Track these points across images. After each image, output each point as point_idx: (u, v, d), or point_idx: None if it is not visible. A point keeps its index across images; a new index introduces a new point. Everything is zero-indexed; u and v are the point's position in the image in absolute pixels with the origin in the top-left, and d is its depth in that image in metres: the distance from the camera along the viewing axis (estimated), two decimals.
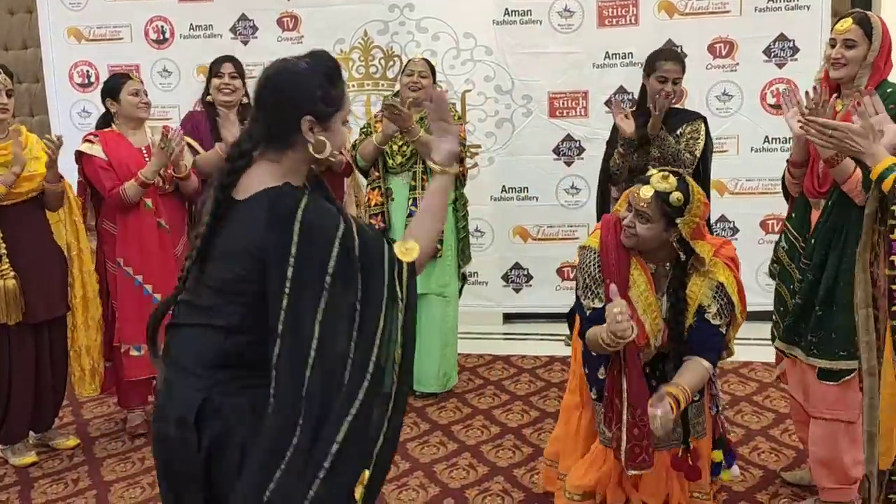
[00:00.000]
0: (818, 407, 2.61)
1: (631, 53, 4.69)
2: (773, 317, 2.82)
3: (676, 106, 3.56)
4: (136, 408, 3.55)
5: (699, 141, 3.41)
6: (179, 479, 1.68)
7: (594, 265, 2.28)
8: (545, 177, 4.83)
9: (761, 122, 4.67)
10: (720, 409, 2.45)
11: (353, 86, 5.02)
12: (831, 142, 2.13)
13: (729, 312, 2.25)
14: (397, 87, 3.94)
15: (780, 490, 2.89)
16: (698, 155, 3.39)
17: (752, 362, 4.01)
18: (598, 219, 3.66)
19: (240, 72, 3.70)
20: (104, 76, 5.24)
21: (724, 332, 2.27)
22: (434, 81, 3.78)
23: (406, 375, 1.70)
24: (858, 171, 2.37)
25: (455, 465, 3.14)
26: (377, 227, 3.74)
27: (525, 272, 4.99)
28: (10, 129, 3.16)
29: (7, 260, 3.09)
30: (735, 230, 4.85)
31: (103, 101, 3.49)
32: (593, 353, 2.30)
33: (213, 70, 3.70)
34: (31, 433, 3.39)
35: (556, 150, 4.81)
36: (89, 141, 3.38)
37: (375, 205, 3.77)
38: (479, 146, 4.88)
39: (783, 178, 2.76)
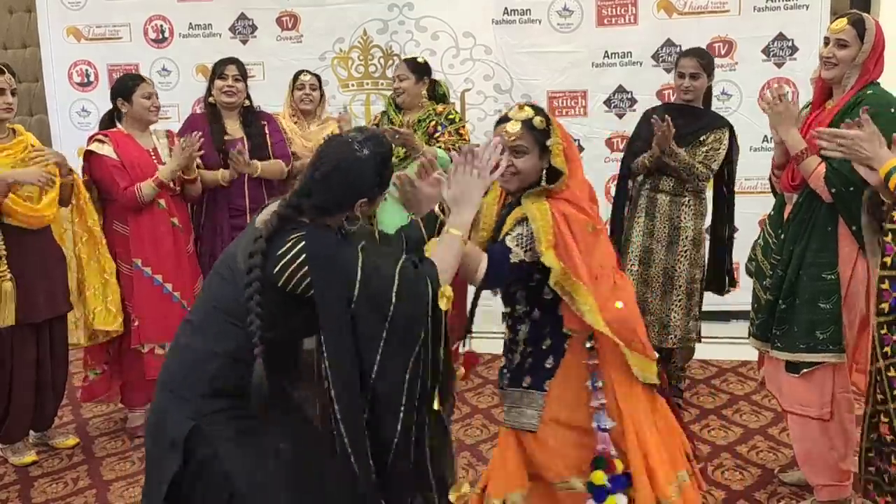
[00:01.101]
0: (790, 402, 2.66)
1: (630, 53, 4.70)
2: (750, 314, 2.85)
3: (696, 105, 3.49)
4: (139, 408, 3.55)
5: (719, 151, 3.39)
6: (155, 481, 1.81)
7: None
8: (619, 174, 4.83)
9: (760, 121, 4.62)
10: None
11: (353, 85, 5.03)
12: (840, 149, 2.23)
13: (528, 243, 2.03)
14: None
15: (779, 489, 2.90)
16: (715, 168, 3.38)
17: (751, 361, 4.00)
18: (615, 215, 3.65)
19: (243, 74, 3.73)
20: (103, 76, 5.26)
21: (518, 260, 2.03)
22: (419, 80, 3.78)
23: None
24: (822, 166, 2.45)
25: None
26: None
27: None
28: (9, 129, 3.16)
29: (6, 262, 3.08)
30: (733, 229, 4.84)
31: (113, 101, 3.48)
32: None
33: (217, 72, 3.71)
34: (32, 432, 3.40)
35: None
36: (99, 140, 3.37)
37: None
38: (477, 146, 4.86)
39: (770, 176, 2.83)
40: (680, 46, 4.70)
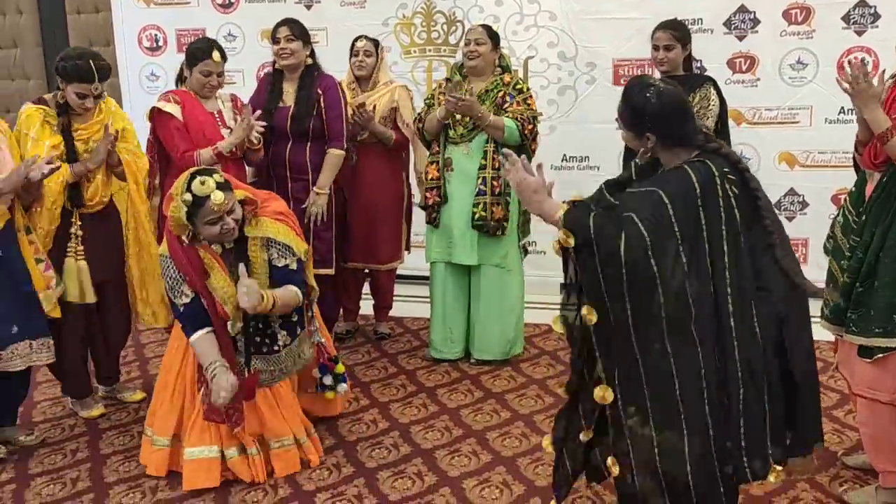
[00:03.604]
0: (859, 385, 2.57)
1: (701, 20, 4.55)
2: (824, 295, 2.74)
3: (676, 74, 3.49)
4: None
5: (710, 108, 3.39)
6: None
7: (172, 268, 2.72)
8: (607, 146, 4.70)
9: (837, 92, 4.41)
10: (319, 339, 3.05)
11: (415, 51, 4.99)
12: None
13: (289, 252, 2.79)
14: (459, 55, 3.89)
15: (842, 472, 2.82)
16: (710, 125, 3.35)
17: (818, 341, 3.86)
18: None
19: (297, 34, 3.66)
20: (172, 40, 5.35)
21: (297, 266, 2.82)
22: (495, 48, 3.71)
23: None
24: None
25: (508, 434, 3.15)
26: (432, 201, 3.73)
27: None
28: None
29: (81, 242, 3.15)
30: (804, 204, 4.69)
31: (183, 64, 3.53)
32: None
33: (272, 35, 3.72)
34: (101, 386, 3.52)
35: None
36: (168, 100, 3.40)
37: (431, 179, 3.75)
38: (540, 114, 4.79)
39: (853, 152, 2.70)
40: (754, 13, 4.53)
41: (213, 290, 2.71)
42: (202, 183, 2.57)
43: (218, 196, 2.57)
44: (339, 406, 3.31)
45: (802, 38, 4.48)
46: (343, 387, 3.11)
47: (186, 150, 3.36)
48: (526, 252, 4.11)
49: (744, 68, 4.62)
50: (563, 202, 2.04)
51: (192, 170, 2.71)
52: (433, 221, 3.77)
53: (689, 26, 4.50)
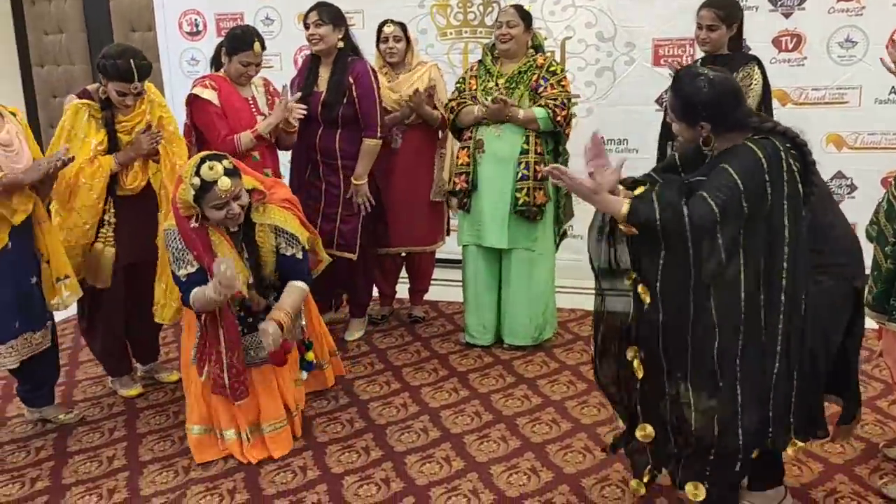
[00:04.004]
0: None
1: None
2: (868, 282, 2.64)
3: (720, 53, 3.41)
4: None
5: (752, 87, 3.30)
6: None
7: (178, 240, 2.76)
8: (646, 128, 4.60)
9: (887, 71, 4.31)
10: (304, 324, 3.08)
11: (451, 33, 4.95)
12: None
13: (295, 241, 2.86)
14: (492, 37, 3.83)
15: (882, 465, 2.73)
16: (752, 105, 3.23)
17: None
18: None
19: (326, 18, 3.62)
20: (211, 25, 5.39)
21: (302, 255, 2.89)
22: (528, 28, 3.64)
23: None
24: None
25: (538, 420, 3.13)
26: (460, 186, 3.70)
27: None
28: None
29: (113, 229, 3.19)
30: (853, 187, 4.54)
31: (221, 48, 3.54)
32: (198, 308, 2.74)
33: (304, 21, 3.72)
34: (139, 365, 3.60)
35: (660, 101, 4.59)
36: (205, 86, 3.43)
37: (462, 164, 3.72)
38: (577, 96, 4.72)
39: None
40: None
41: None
42: (211, 168, 2.62)
43: (225, 182, 2.62)
44: (330, 381, 3.39)
45: (852, 14, 4.32)
46: (303, 375, 3.10)
47: (227, 134, 3.38)
48: (564, 235, 4.06)
49: (790, 47, 4.47)
50: (625, 196, 2.11)
51: (202, 154, 2.74)
52: (463, 206, 3.75)
53: None
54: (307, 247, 2.95)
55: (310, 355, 3.10)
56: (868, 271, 2.51)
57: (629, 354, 2.24)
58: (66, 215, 3.11)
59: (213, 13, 5.39)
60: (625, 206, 2.05)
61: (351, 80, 3.64)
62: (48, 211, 3.08)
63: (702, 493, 2.20)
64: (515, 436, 3.01)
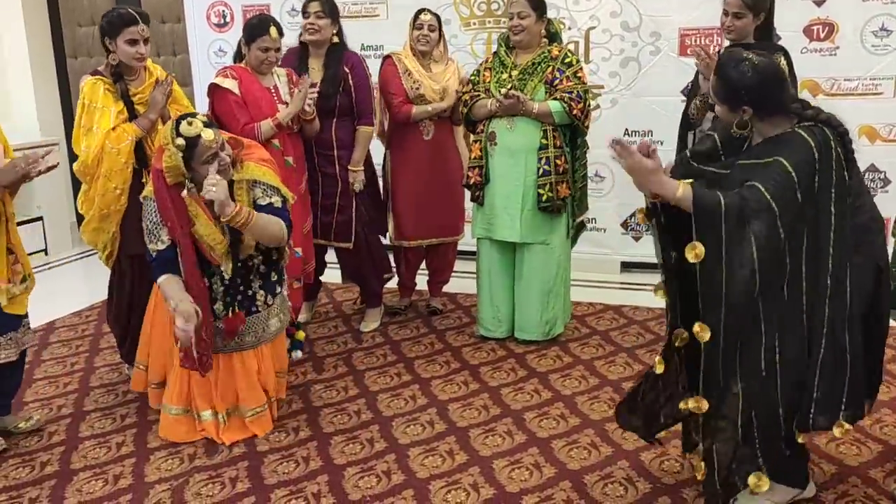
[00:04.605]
0: None
1: None
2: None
3: (746, 42, 3.22)
4: None
5: None
6: None
7: (154, 213, 2.76)
8: (672, 119, 4.47)
9: None
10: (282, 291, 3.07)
11: (474, 24, 4.91)
12: None
13: (273, 191, 2.82)
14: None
15: None
16: None
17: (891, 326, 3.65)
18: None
19: (327, 11, 3.66)
20: (238, 17, 5.42)
21: (281, 205, 2.83)
22: (540, 18, 3.57)
23: None
24: None
25: (546, 415, 3.08)
26: (473, 180, 3.67)
27: None
28: (143, 73, 3.29)
29: None
30: (886, 181, 4.40)
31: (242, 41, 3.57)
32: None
33: (303, 9, 3.72)
34: None
35: (685, 91, 4.46)
36: (225, 76, 3.46)
37: (474, 158, 3.68)
38: (601, 87, 4.66)
39: None
40: None
41: (200, 238, 2.76)
42: (189, 124, 2.62)
43: (209, 133, 2.62)
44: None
45: (887, 2, 4.17)
46: (297, 354, 3.30)
47: (246, 122, 3.40)
48: (583, 228, 4.00)
49: (822, 36, 4.34)
50: (679, 181, 2.11)
51: (173, 119, 2.77)
52: (477, 199, 3.72)
53: None
54: (289, 200, 2.90)
55: (300, 334, 3.19)
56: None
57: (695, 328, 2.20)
58: (94, 185, 3.15)
59: (240, 5, 5.42)
60: (681, 188, 2.06)
61: (346, 69, 3.70)
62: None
63: (765, 484, 2.22)
64: (521, 430, 2.97)
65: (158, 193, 2.75)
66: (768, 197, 2.01)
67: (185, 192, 2.74)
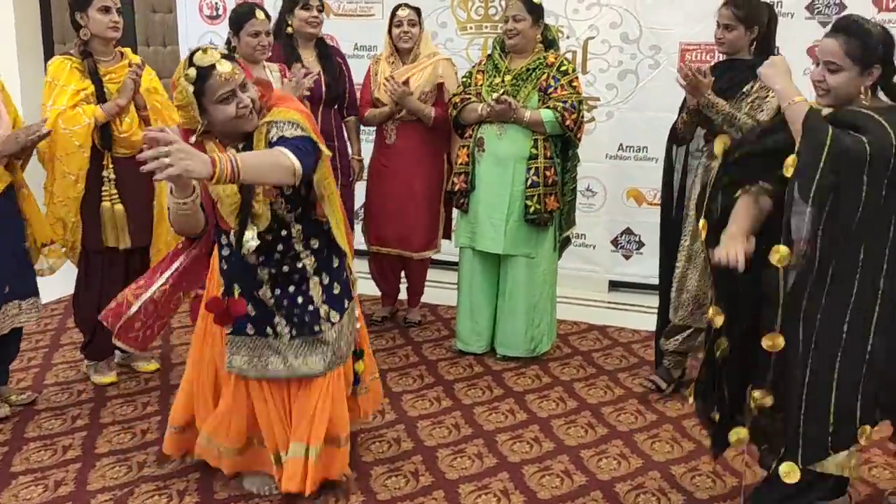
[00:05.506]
0: None
1: (781, 2, 4.16)
2: None
3: (740, 58, 3.12)
4: None
5: (767, 100, 2.98)
6: None
7: None
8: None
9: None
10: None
11: (471, 28, 4.78)
12: None
13: (293, 125, 2.20)
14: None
15: None
16: (764, 119, 2.96)
17: None
18: (664, 181, 3.30)
19: (322, 6, 3.72)
20: (231, 8, 5.28)
21: (291, 135, 2.17)
22: (536, 22, 3.43)
23: None
24: None
25: (519, 438, 2.93)
26: (458, 186, 3.54)
27: (636, 238, 4.63)
28: (116, 51, 3.18)
29: (115, 187, 3.13)
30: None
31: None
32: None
33: (299, 1, 3.63)
34: (118, 352, 3.48)
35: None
36: None
37: (461, 163, 3.55)
38: (597, 99, 4.52)
39: None
40: None
41: (218, 199, 2.25)
42: (204, 52, 2.16)
43: (225, 65, 2.14)
44: (360, 413, 2.74)
45: (895, 26, 4.03)
46: (351, 388, 2.63)
47: None
48: (568, 243, 3.86)
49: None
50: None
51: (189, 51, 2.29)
52: (461, 206, 3.58)
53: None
54: (313, 139, 2.21)
55: (359, 365, 2.59)
56: None
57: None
58: (50, 167, 3.05)
59: None
60: (798, 97, 2.09)
61: (339, 60, 3.80)
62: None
63: (795, 476, 2.11)
64: (492, 453, 2.82)
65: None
66: (869, 150, 1.95)
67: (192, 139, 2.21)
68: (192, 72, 2.13)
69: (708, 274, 2.37)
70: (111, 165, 3.12)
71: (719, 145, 2.24)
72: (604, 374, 3.51)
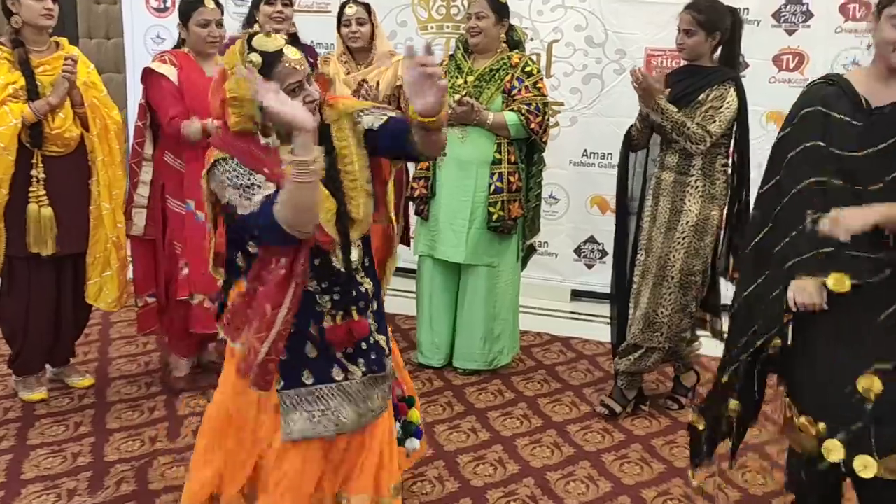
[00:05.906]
0: None
1: (747, 9, 4.07)
2: None
3: (700, 64, 3.02)
4: (185, 357, 3.32)
5: (721, 111, 2.90)
6: None
7: (235, 169, 1.81)
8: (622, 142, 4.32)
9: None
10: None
11: (432, 28, 4.62)
12: None
13: (383, 111, 1.96)
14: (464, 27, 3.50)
15: None
16: (715, 130, 2.90)
17: None
18: (619, 186, 3.21)
19: (291, 1, 3.46)
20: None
21: (394, 113, 1.96)
22: (500, 21, 3.29)
23: None
24: None
25: (482, 459, 2.77)
26: (419, 192, 3.37)
27: (600, 247, 4.51)
28: (51, 41, 2.94)
29: (44, 187, 2.90)
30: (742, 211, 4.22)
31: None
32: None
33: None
34: (49, 367, 3.23)
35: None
36: (163, 61, 3.09)
37: (421, 168, 3.39)
38: (561, 103, 4.40)
39: None
40: (807, 6, 4.08)
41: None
42: (268, 35, 1.84)
43: (293, 51, 1.84)
44: (405, 463, 2.33)
45: (860, 35, 4.00)
46: (414, 443, 2.22)
47: (175, 115, 3.01)
48: (533, 251, 3.72)
49: (791, 66, 4.16)
50: None
51: (241, 37, 1.90)
52: (421, 213, 3.42)
53: None
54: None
55: (414, 415, 2.22)
56: None
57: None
58: None
59: None
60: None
61: (311, 60, 3.45)
62: None
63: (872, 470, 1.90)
64: (454, 476, 2.66)
65: (236, 147, 1.85)
66: None
67: (266, 140, 1.86)
68: (257, 58, 1.81)
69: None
70: (41, 164, 2.89)
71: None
72: (569, 390, 3.38)
